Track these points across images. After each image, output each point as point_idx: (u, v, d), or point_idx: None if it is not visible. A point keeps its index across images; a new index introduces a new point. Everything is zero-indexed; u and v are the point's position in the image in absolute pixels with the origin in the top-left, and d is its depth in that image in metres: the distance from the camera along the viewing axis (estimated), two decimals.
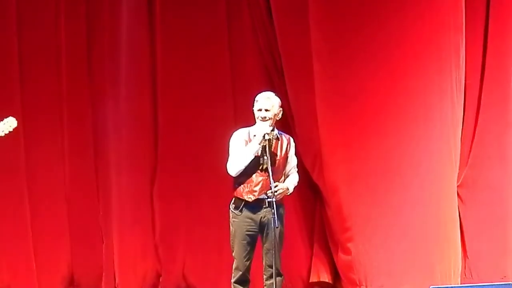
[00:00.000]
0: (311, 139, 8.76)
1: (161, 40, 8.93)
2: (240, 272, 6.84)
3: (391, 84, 8.56)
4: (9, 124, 6.53)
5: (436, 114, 8.55)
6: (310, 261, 8.95)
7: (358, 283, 8.60)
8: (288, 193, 6.94)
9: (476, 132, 8.79)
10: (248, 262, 6.85)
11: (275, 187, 6.72)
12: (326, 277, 8.91)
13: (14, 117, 6.52)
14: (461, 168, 8.73)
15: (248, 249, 6.84)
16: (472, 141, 8.79)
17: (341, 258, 8.73)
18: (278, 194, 6.76)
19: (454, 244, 8.58)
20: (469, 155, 8.78)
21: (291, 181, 7.00)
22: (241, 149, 6.87)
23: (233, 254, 6.90)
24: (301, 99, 8.85)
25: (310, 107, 8.72)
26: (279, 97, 7.04)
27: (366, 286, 8.58)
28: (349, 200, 8.60)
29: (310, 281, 8.91)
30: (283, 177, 6.97)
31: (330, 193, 8.70)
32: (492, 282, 8.20)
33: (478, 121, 8.79)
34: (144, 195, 8.90)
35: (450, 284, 8.25)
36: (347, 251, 8.63)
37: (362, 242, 8.57)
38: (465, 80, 8.65)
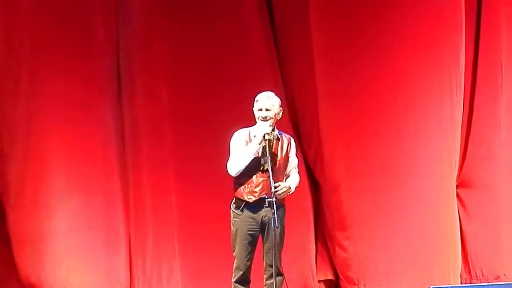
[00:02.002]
0: (312, 137, 8.79)
1: (178, 36, 8.80)
2: (241, 272, 6.81)
3: (392, 83, 8.62)
4: None
5: (436, 114, 8.61)
6: (316, 259, 8.92)
7: (356, 282, 8.64)
8: (290, 193, 6.93)
9: (471, 132, 8.85)
10: (249, 262, 6.82)
11: (277, 186, 6.71)
12: (330, 275, 8.92)
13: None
14: (458, 168, 8.78)
15: (249, 249, 6.81)
16: (466, 141, 8.84)
17: (339, 256, 8.76)
18: (281, 193, 6.75)
19: (454, 244, 8.64)
20: (464, 155, 8.82)
21: (293, 180, 6.98)
22: (241, 149, 6.85)
23: (234, 253, 6.87)
24: (303, 96, 8.88)
25: (312, 104, 8.75)
26: (279, 97, 7.02)
27: (365, 285, 8.62)
28: (349, 198, 8.66)
29: (318, 279, 8.89)
30: (284, 178, 6.95)
31: (331, 190, 8.75)
32: (490, 282, 8.27)
33: (472, 121, 8.84)
34: (166, 193, 8.75)
35: (450, 284, 8.29)
36: (346, 250, 8.69)
37: (361, 240, 8.63)
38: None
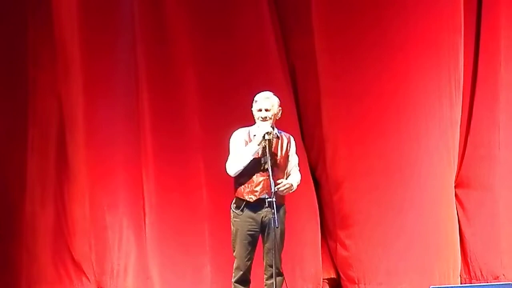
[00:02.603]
0: (314, 136, 8.79)
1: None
2: (241, 272, 6.82)
3: (393, 84, 8.61)
4: None
5: (436, 114, 8.59)
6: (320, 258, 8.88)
7: (356, 281, 8.64)
8: (292, 190, 6.89)
9: (470, 132, 8.83)
10: (249, 262, 6.84)
11: (279, 183, 6.71)
12: (332, 274, 8.90)
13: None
14: (457, 168, 8.77)
15: (249, 249, 6.83)
16: (465, 141, 8.83)
17: (339, 255, 8.76)
18: (283, 189, 6.75)
19: (453, 244, 8.62)
20: (463, 155, 8.82)
21: (294, 178, 6.97)
22: (241, 149, 6.85)
23: (234, 254, 6.89)
24: (305, 96, 8.91)
25: (314, 104, 8.76)
26: (277, 96, 7.01)
27: (365, 284, 8.62)
28: (350, 197, 8.67)
29: (323, 278, 8.86)
30: (285, 176, 6.94)
31: (333, 189, 8.75)
32: (489, 282, 8.27)
33: (471, 122, 8.83)
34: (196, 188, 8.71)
35: (450, 284, 8.29)
36: (346, 249, 8.69)
37: (362, 239, 8.63)
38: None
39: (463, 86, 8.71)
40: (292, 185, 6.87)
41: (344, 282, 8.77)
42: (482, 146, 8.77)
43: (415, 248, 8.52)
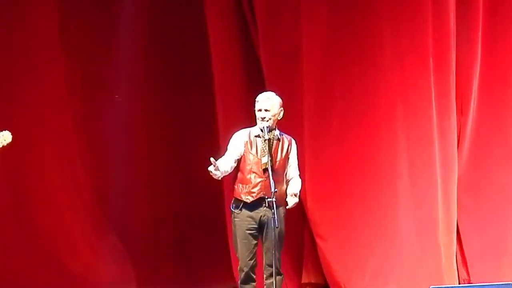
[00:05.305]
0: None
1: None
2: (245, 272, 6.80)
3: (378, 85, 8.59)
4: (4, 138, 6.42)
5: (423, 116, 8.58)
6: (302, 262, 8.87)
7: (342, 286, 8.58)
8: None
9: (472, 133, 8.88)
10: (252, 261, 6.82)
11: (289, 203, 6.75)
12: (317, 278, 8.85)
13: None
14: (463, 169, 8.79)
15: (251, 248, 6.81)
16: (470, 142, 8.87)
17: (323, 260, 8.67)
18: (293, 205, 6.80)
19: (449, 245, 8.61)
20: (466, 155, 8.85)
21: (295, 187, 6.94)
22: (226, 155, 6.85)
23: (237, 254, 6.89)
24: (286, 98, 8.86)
25: (294, 108, 8.69)
26: (280, 97, 7.00)
27: None
28: (332, 201, 8.62)
29: (302, 281, 8.83)
30: (284, 179, 6.93)
31: (313, 193, 8.61)
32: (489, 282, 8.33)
33: (480, 123, 8.87)
34: None
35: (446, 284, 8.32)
36: (328, 254, 8.60)
37: (347, 243, 8.58)
38: (469, 83, 8.75)
39: (474, 87, 8.75)
40: (296, 195, 6.85)
41: (330, 286, 8.73)
42: (485, 146, 8.85)
43: (403, 250, 8.51)
